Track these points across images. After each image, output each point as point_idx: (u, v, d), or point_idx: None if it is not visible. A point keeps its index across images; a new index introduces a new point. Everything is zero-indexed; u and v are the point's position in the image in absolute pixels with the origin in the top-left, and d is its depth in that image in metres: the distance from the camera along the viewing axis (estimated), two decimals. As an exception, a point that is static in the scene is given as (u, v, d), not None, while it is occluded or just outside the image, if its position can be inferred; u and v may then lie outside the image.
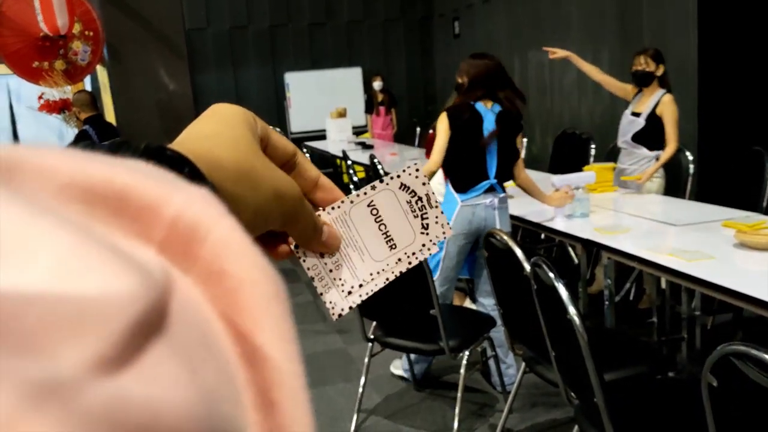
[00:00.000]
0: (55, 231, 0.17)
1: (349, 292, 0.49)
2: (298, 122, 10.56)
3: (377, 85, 9.57)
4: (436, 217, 0.50)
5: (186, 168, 0.33)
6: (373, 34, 10.84)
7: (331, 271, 0.49)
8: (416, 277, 2.61)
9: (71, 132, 6.15)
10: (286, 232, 0.45)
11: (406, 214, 0.49)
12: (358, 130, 9.99)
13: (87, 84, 7.02)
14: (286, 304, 0.25)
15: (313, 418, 0.23)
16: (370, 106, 9.98)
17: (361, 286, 0.49)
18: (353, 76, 10.61)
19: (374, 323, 3.07)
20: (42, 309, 0.15)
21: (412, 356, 3.36)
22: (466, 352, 2.80)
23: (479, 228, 3.15)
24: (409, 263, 0.50)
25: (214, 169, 0.36)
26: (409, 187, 0.49)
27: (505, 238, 2.30)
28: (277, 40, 10.65)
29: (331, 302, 0.49)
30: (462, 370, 2.79)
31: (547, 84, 7.81)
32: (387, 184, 0.49)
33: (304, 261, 0.48)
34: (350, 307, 0.50)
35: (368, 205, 0.49)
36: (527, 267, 2.13)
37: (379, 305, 2.89)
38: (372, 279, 0.49)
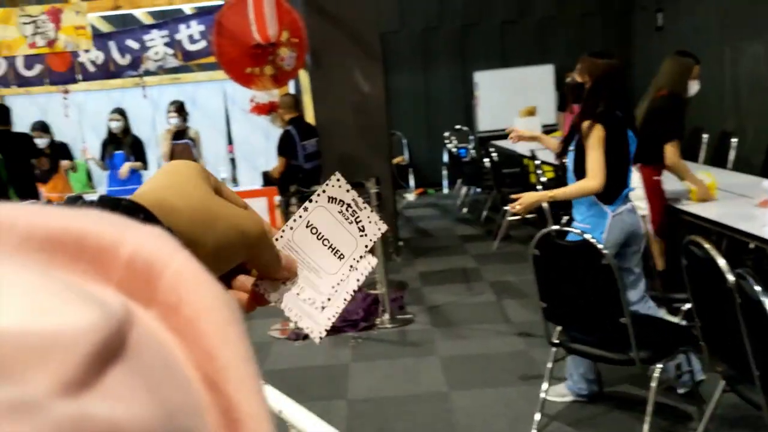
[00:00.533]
0: (21, 275, 0.20)
1: (323, 307, 0.51)
2: (485, 121, 10.55)
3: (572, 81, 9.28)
4: (368, 217, 0.52)
5: (141, 214, 0.36)
6: (568, 30, 10.51)
7: (297, 294, 0.51)
8: (606, 283, 2.52)
9: (276, 131, 6.66)
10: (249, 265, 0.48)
11: (341, 224, 0.52)
12: (548, 129, 9.76)
13: (290, 87, 7.54)
14: (242, 326, 0.26)
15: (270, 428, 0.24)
16: (563, 104, 9.70)
17: (329, 299, 0.51)
18: (545, 73, 10.37)
19: (559, 328, 3.00)
20: (13, 342, 0.17)
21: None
22: (659, 365, 2.64)
23: (629, 233, 3.08)
24: (361, 267, 0.52)
25: (168, 213, 0.39)
26: (336, 198, 0.52)
27: (707, 246, 2.15)
28: (467, 40, 10.71)
29: (308, 327, 0.51)
30: (653, 383, 2.65)
31: (764, 78, 7.08)
32: (316, 201, 0.52)
33: (268, 296, 0.50)
34: (327, 328, 0.51)
35: (307, 226, 0.51)
36: (731, 279, 1.97)
37: (566, 310, 2.83)
38: (336, 291, 0.51)
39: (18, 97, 7.87)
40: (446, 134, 9.60)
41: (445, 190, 10.64)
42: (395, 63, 10.19)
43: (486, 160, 6.89)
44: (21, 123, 5.96)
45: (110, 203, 0.35)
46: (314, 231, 0.51)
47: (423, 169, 10.66)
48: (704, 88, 4.55)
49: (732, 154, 6.65)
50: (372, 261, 0.52)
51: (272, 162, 7.24)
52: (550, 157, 6.67)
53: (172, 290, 0.24)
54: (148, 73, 6.61)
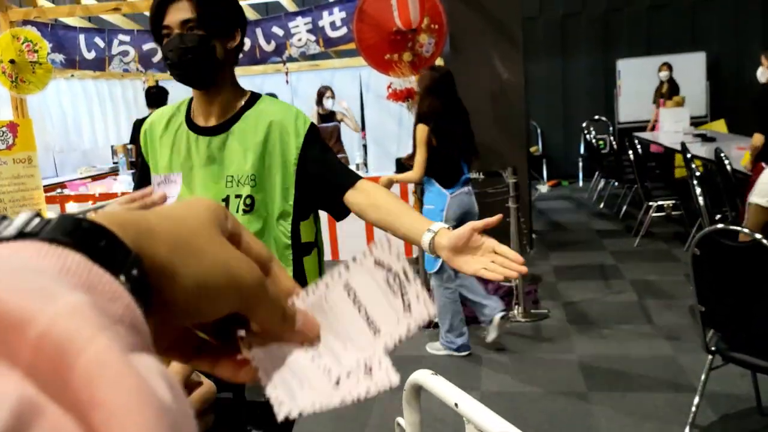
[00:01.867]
0: None
1: (337, 382, 0.42)
2: (626, 111, 10.05)
3: None
4: (417, 295, 0.43)
5: (102, 240, 0.30)
6: (723, 14, 9.77)
7: (312, 360, 0.43)
8: (780, 289, 2.29)
9: (411, 118, 6.65)
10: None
11: (385, 295, 0.43)
12: (697, 121, 9.14)
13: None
14: (169, 427, 0.21)
15: None
16: None
17: (348, 375, 0.42)
18: (695, 61, 9.71)
19: (711, 333, 2.78)
20: None
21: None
22: (838, 384, 2.38)
23: (465, 211, 3.96)
24: (379, 379, 0.42)
25: (144, 235, 0.33)
26: (384, 263, 0.43)
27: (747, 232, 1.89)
28: (610, 26, 10.22)
29: (277, 398, 0.42)
30: (830, 404, 2.39)
31: None
32: (360, 262, 0.43)
33: (246, 348, 0.42)
34: (303, 411, 0.42)
35: (344, 288, 0.44)
36: None
37: (728, 315, 2.61)
38: (360, 365, 0.42)
39: (171, 83, 8.39)
40: (584, 125, 9.23)
41: (580, 183, 10.25)
42: (532, 50, 9.91)
43: (630, 152, 6.54)
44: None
45: (69, 224, 0.29)
46: (351, 294, 0.44)
47: (556, 160, 10.32)
48: None
49: None
50: (394, 380, 0.42)
51: (404, 149, 7.26)
52: (700, 151, 6.23)
53: (86, 385, 0.20)
54: (290, 59, 6.80)
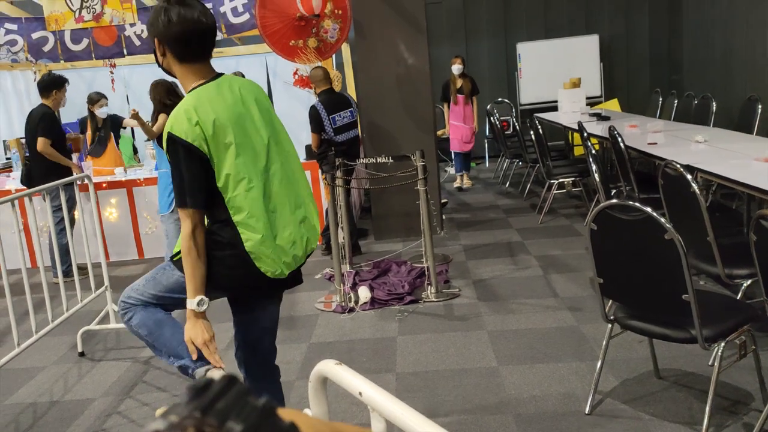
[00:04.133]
0: None
1: None
2: (528, 93, 10.38)
3: None
4: None
5: None
6: (613, -1, 10.23)
7: None
8: (668, 259, 2.46)
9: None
10: None
11: None
12: (593, 101, 9.56)
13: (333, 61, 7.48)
14: None
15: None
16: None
17: None
18: (589, 44, 10.14)
19: (610, 302, 2.95)
20: None
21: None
22: (722, 343, 2.58)
23: None
24: None
25: None
26: None
27: (638, 206, 2.07)
28: (509, 11, 10.50)
29: None
30: (716, 362, 2.58)
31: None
32: None
33: None
34: None
35: None
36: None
37: (624, 286, 2.77)
38: None
39: (65, 72, 7.98)
40: (488, 107, 9.47)
41: (486, 164, 10.53)
42: (436, 35, 10.05)
43: (531, 132, 6.77)
44: (69, 98, 6.02)
45: (269, 417, 0.34)
46: None
47: (464, 143, 10.54)
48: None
49: None
50: None
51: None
52: (596, 130, 6.53)
53: None
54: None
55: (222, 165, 2.12)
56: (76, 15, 5.87)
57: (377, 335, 4.15)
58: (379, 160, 5.14)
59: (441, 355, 3.77)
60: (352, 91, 8.00)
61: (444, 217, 6.88)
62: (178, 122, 2.08)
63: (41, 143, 5.49)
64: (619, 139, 4.99)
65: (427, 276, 4.80)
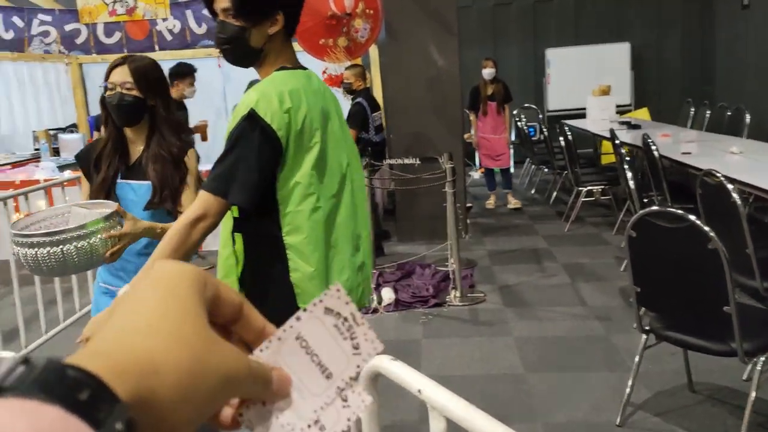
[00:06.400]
0: None
1: None
2: (555, 100, 10.29)
3: None
4: (365, 334, 0.46)
5: (86, 392, 0.28)
6: (646, 6, 10.11)
7: (277, 418, 0.44)
8: (711, 269, 2.38)
9: (345, 104, 6.60)
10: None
11: (335, 339, 0.46)
12: (622, 109, 9.44)
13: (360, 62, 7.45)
14: None
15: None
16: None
17: (309, 426, 0.45)
18: (620, 51, 10.02)
19: (642, 310, 2.88)
20: None
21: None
22: (762, 358, 2.50)
23: None
24: (353, 403, 0.46)
25: (147, 378, 0.32)
26: (333, 310, 0.46)
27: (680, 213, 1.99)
28: (539, 16, 10.42)
29: None
30: (755, 377, 2.50)
31: None
32: (311, 312, 0.46)
33: (252, 428, 0.44)
34: None
35: (296, 338, 0.45)
36: None
37: (662, 295, 2.70)
38: (318, 416, 0.45)
39: (95, 65, 8.04)
40: (515, 112, 9.39)
41: (512, 169, 10.44)
42: (466, 38, 9.99)
43: (561, 139, 6.69)
44: (98, 91, 6.04)
45: (53, 375, 0.28)
46: (304, 344, 0.46)
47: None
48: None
49: None
50: (367, 400, 0.46)
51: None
52: (626, 137, 6.44)
53: None
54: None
55: (294, 170, 1.76)
56: (110, 8, 5.91)
57: (401, 337, 4.11)
58: (406, 161, 5.10)
59: (467, 359, 3.71)
60: (377, 93, 7.97)
61: (468, 221, 6.82)
62: (267, 101, 1.73)
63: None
64: (653, 148, 4.90)
65: (452, 279, 4.74)
